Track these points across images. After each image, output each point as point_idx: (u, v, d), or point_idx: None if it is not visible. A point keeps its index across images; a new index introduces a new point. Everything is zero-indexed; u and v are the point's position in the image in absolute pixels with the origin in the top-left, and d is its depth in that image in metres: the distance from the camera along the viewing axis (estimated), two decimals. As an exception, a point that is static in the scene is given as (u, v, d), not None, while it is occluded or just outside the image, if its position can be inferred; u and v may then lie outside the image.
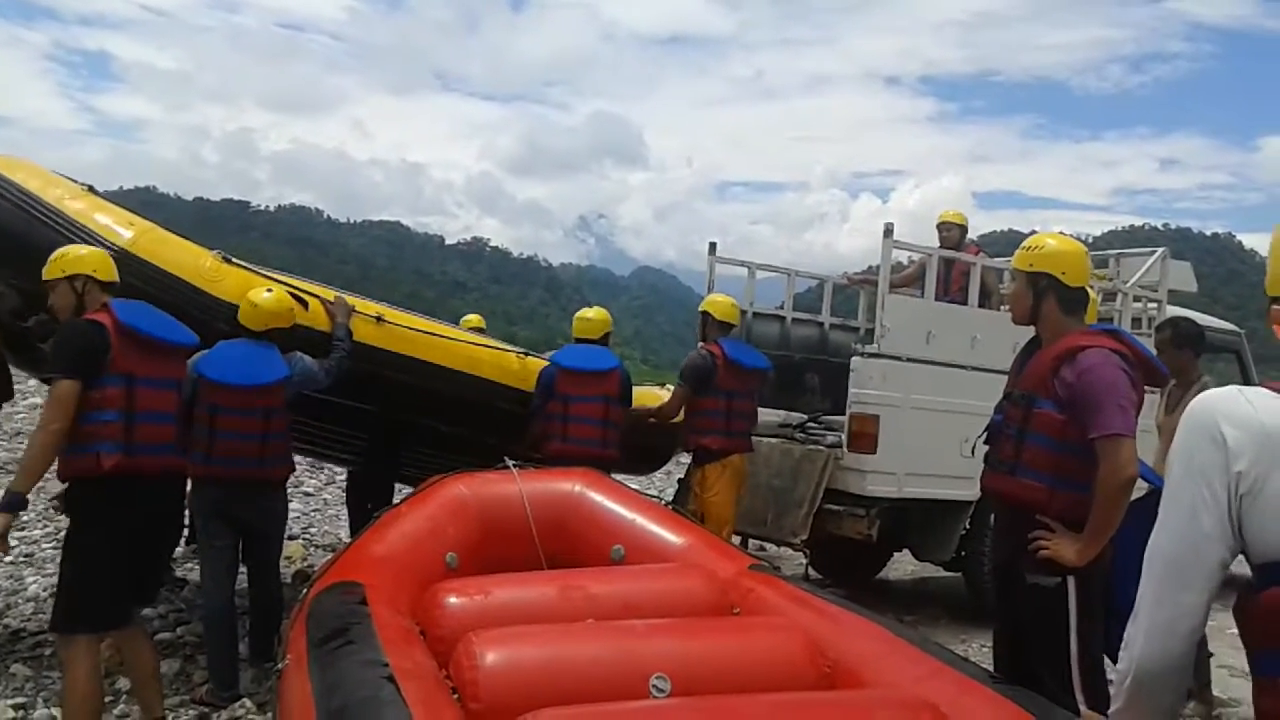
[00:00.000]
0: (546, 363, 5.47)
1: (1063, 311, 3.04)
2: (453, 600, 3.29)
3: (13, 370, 5.14)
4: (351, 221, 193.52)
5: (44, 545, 6.73)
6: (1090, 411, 2.81)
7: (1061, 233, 3.33)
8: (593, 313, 5.77)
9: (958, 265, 6.77)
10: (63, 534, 5.67)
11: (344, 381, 4.69)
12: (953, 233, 7.20)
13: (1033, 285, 3.07)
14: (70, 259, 3.73)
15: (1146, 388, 3.03)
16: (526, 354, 5.51)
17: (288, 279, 4.82)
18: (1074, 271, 3.04)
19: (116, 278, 3.80)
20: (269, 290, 4.49)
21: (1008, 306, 6.78)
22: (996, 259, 7.24)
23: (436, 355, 5.08)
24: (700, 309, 5.95)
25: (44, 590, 5.79)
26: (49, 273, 3.71)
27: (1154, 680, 1.48)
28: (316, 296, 4.77)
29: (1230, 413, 1.43)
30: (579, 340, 5.64)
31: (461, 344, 5.26)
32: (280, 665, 3.00)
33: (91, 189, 4.72)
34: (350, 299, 4.92)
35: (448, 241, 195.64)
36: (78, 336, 3.58)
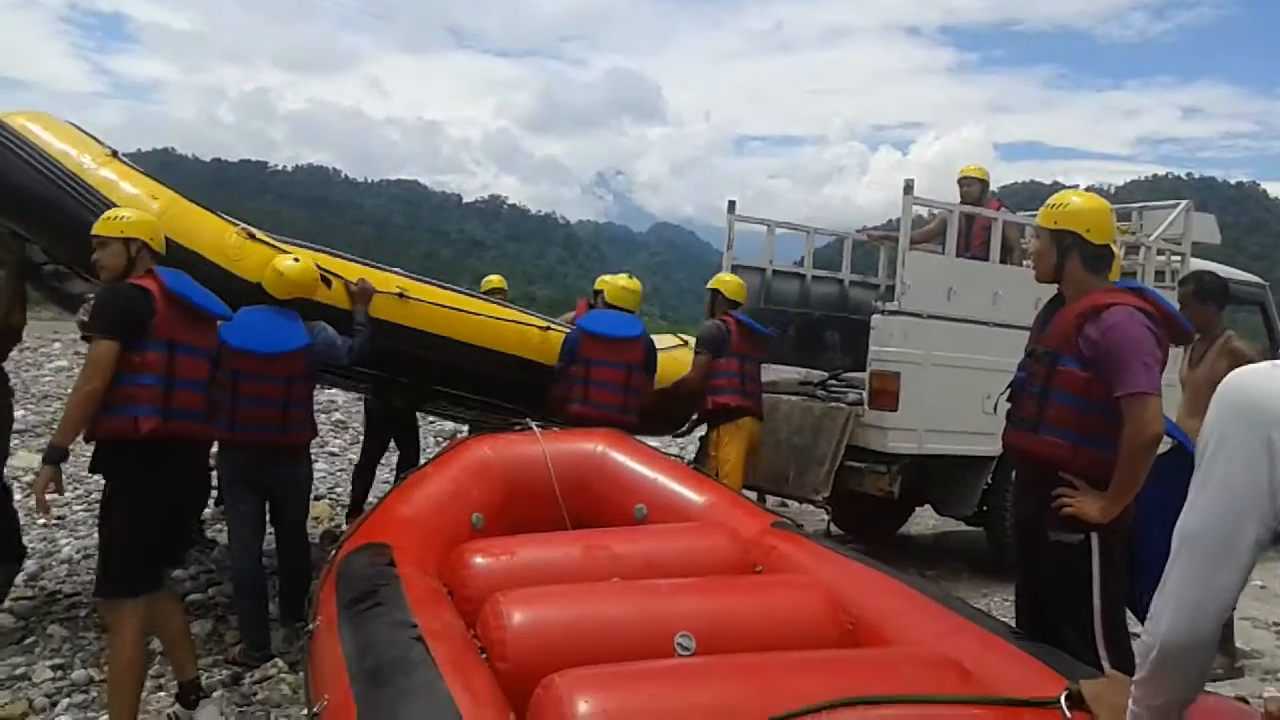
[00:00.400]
0: (570, 332, 5.48)
1: (1087, 269, 3.02)
2: (479, 560, 3.33)
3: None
4: (369, 181, 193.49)
5: (75, 507, 6.84)
6: (1115, 369, 2.80)
7: (1084, 187, 3.30)
8: (630, 282, 5.78)
9: (979, 220, 6.71)
10: (94, 497, 5.76)
11: (366, 357, 4.73)
12: (973, 188, 7.14)
13: (1057, 243, 3.04)
14: (131, 222, 3.71)
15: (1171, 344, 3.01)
16: (549, 327, 5.47)
17: (314, 255, 4.78)
18: (1098, 229, 3.02)
19: (164, 250, 3.83)
20: (295, 259, 4.49)
21: (1029, 262, 6.76)
22: (1019, 213, 7.18)
23: (458, 330, 5.06)
24: (710, 287, 6.06)
25: (77, 552, 5.89)
26: (105, 229, 3.69)
27: (1181, 654, 1.45)
28: (340, 277, 4.74)
29: (1268, 389, 1.39)
30: (611, 306, 5.65)
31: (483, 318, 5.21)
32: (311, 626, 3.05)
33: (115, 154, 4.65)
34: (373, 274, 4.89)
35: (465, 200, 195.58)
36: (121, 299, 3.60)
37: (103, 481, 3.71)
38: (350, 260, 5.03)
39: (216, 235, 4.55)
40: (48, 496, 3.54)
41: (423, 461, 4.64)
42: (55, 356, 15.49)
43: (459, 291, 5.48)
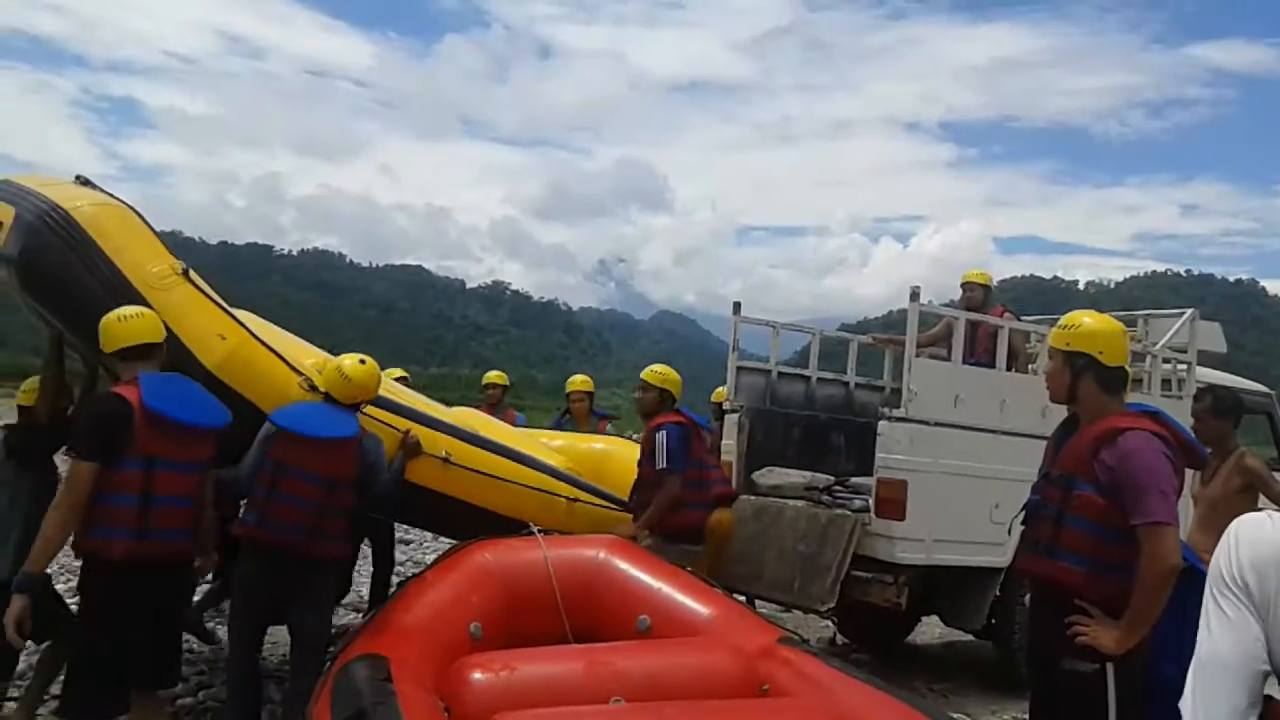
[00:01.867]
0: (595, 504, 5.29)
1: (1101, 391, 2.99)
2: (478, 676, 3.27)
3: None
4: (374, 265, 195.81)
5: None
6: (1132, 497, 2.76)
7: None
8: (666, 377, 5.69)
9: (983, 327, 6.69)
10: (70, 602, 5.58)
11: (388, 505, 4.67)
12: (976, 293, 7.12)
13: (1070, 364, 3.02)
14: (102, 341, 3.71)
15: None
16: (576, 499, 5.24)
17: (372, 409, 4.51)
18: (1111, 351, 3.00)
19: (152, 339, 3.72)
20: (362, 359, 4.28)
21: (1035, 366, 6.74)
22: (1023, 317, 7.18)
23: (490, 500, 4.86)
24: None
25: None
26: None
27: None
28: (391, 427, 4.53)
29: (1251, 537, 1.49)
30: (673, 402, 5.59)
31: (519, 488, 4.99)
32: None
33: (187, 273, 4.22)
34: (422, 431, 4.67)
35: (469, 285, 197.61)
36: (100, 420, 3.55)
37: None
38: (402, 407, 4.79)
39: (281, 389, 4.24)
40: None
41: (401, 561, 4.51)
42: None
43: (502, 452, 5.11)
